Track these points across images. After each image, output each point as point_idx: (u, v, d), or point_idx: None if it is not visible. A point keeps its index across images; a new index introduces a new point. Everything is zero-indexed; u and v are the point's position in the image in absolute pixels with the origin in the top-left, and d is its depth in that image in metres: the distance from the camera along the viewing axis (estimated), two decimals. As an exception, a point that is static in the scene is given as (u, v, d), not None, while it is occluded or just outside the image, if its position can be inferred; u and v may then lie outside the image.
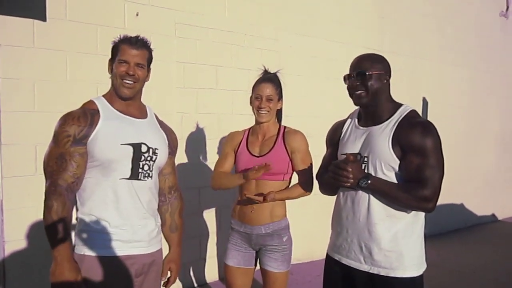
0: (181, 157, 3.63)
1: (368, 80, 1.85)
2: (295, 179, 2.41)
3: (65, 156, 1.68)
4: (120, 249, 1.77)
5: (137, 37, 1.83)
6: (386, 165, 1.79)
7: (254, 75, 2.46)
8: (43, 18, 2.93)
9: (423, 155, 1.72)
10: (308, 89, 4.56)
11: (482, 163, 7.02)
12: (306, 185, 2.35)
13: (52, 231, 1.63)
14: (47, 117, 2.83)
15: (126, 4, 3.32)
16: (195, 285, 3.91)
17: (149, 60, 1.89)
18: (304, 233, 4.12)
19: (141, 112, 1.92)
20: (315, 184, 2.26)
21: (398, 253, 1.80)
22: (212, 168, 2.55)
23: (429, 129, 1.77)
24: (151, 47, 1.89)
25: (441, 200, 1.80)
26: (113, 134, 1.75)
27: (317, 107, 4.60)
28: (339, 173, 1.78)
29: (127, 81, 1.80)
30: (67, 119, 1.72)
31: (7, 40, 2.83)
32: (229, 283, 2.43)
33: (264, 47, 4.19)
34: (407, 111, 1.85)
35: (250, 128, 2.49)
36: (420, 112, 1.91)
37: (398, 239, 1.80)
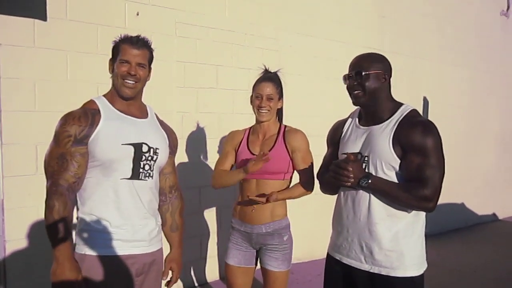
0: (181, 157, 3.63)
1: (365, 80, 1.85)
2: (295, 178, 2.41)
3: (66, 156, 1.68)
4: (121, 248, 1.77)
5: (138, 36, 1.83)
6: (386, 165, 1.79)
7: (254, 74, 2.46)
8: (44, 18, 2.93)
9: (423, 155, 1.72)
10: (308, 88, 4.56)
11: (482, 163, 7.02)
12: (307, 185, 2.35)
13: (54, 231, 1.63)
14: (47, 116, 2.84)
15: (126, 3, 3.32)
16: (196, 284, 3.91)
17: (150, 59, 1.89)
18: (305, 232, 4.12)
19: (141, 112, 1.92)
20: (316, 183, 2.26)
21: (398, 252, 1.80)
22: (213, 168, 2.55)
23: (430, 129, 1.76)
24: (152, 46, 1.89)
25: (442, 200, 1.80)
26: (114, 134, 1.75)
27: (318, 107, 4.60)
28: (339, 173, 1.78)
29: (129, 81, 1.80)
30: (68, 119, 1.72)
31: (8, 40, 2.83)
32: (230, 282, 2.44)
33: (265, 46, 4.19)
34: (408, 111, 1.85)
35: (250, 127, 2.49)
36: (420, 112, 1.91)
37: (398, 238, 1.80)
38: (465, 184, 6.55)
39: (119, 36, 1.85)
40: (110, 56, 1.86)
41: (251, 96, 2.41)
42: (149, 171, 1.85)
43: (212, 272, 4.01)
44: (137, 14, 3.37)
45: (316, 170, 2.25)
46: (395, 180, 1.79)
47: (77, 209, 1.78)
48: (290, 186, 2.40)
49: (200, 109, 3.80)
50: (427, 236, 1.94)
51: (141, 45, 1.82)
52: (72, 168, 1.69)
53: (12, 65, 2.85)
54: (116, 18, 3.27)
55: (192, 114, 3.76)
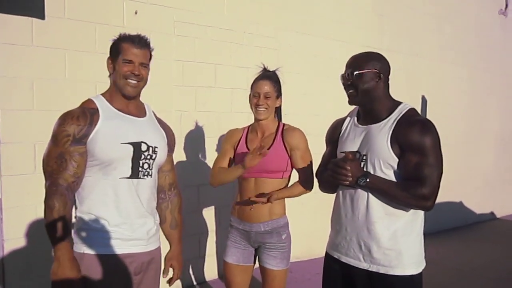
0: (180, 155, 3.63)
1: (357, 79, 1.85)
2: (294, 177, 2.41)
3: (65, 156, 1.68)
4: (119, 247, 1.77)
5: (139, 36, 1.83)
6: (384, 163, 1.79)
7: (253, 73, 2.46)
8: (42, 17, 2.92)
9: (421, 154, 1.72)
10: (307, 87, 4.56)
11: (482, 162, 7.03)
12: (306, 183, 2.35)
13: (54, 230, 1.63)
14: (46, 115, 2.84)
15: (125, 2, 3.32)
16: (195, 283, 3.91)
17: (150, 59, 1.89)
18: (304, 231, 4.13)
19: (140, 111, 1.92)
20: (315, 182, 2.26)
21: (397, 251, 1.80)
22: (211, 166, 2.55)
23: (428, 127, 1.76)
24: (151, 45, 1.89)
25: (440, 198, 1.80)
26: (113, 133, 1.75)
27: (317, 106, 4.60)
28: (338, 172, 1.78)
29: (132, 81, 1.80)
30: (66, 118, 1.71)
31: (6, 39, 2.83)
32: (228, 280, 2.44)
33: (263, 45, 4.18)
34: (406, 109, 1.85)
35: (249, 126, 2.49)
36: (419, 111, 1.91)
37: (397, 237, 1.81)
38: (464, 183, 6.56)
39: (119, 34, 1.84)
40: (108, 55, 1.85)
41: (250, 95, 2.41)
42: (148, 169, 1.85)
43: (210, 270, 4.01)
44: (136, 13, 3.36)
45: (315, 168, 2.25)
46: (393, 179, 1.79)
47: (75, 208, 1.78)
48: (289, 184, 2.40)
49: (198, 108, 3.80)
50: (426, 234, 1.94)
51: (143, 45, 1.82)
52: (71, 168, 1.69)
53: (10, 64, 2.84)
54: (115, 17, 3.26)
55: (190, 113, 3.76)
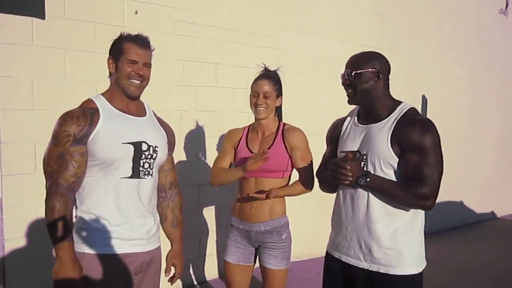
0: (180, 155, 3.63)
1: (355, 79, 1.85)
2: (294, 176, 2.41)
3: (66, 156, 1.68)
4: (120, 247, 1.77)
5: (141, 35, 1.83)
6: (385, 163, 1.79)
7: (253, 73, 2.46)
8: (42, 16, 2.92)
9: (422, 153, 1.72)
10: (307, 87, 4.56)
11: (482, 162, 7.03)
12: (306, 183, 2.35)
13: (56, 230, 1.63)
14: (46, 115, 2.84)
15: (125, 2, 3.32)
16: (195, 283, 3.91)
17: (151, 58, 1.89)
18: (304, 230, 4.12)
19: (140, 110, 1.92)
20: (315, 181, 2.26)
21: (397, 250, 1.80)
22: (211, 166, 2.55)
23: (428, 127, 1.76)
24: (151, 45, 1.89)
25: (441, 198, 1.80)
26: (113, 133, 1.75)
27: (317, 105, 4.60)
28: (338, 171, 1.78)
29: (135, 81, 1.80)
30: (66, 118, 1.71)
31: (6, 38, 2.83)
32: (229, 280, 2.44)
33: (264, 45, 4.18)
34: (406, 109, 1.85)
35: (250, 126, 2.49)
36: (419, 111, 1.91)
37: (397, 236, 1.81)
38: (464, 183, 6.56)
39: (120, 34, 1.84)
40: (109, 55, 1.85)
41: (250, 95, 2.40)
42: (149, 169, 1.85)
43: (211, 270, 4.01)
44: (136, 13, 3.36)
45: (315, 168, 2.25)
46: (394, 178, 1.79)
47: (76, 208, 1.78)
48: (289, 184, 2.40)
49: (199, 108, 3.80)
50: (426, 234, 1.94)
51: (146, 45, 1.83)
52: (72, 168, 1.69)
53: (10, 64, 2.84)
54: (115, 16, 3.26)
55: (191, 113, 3.76)
